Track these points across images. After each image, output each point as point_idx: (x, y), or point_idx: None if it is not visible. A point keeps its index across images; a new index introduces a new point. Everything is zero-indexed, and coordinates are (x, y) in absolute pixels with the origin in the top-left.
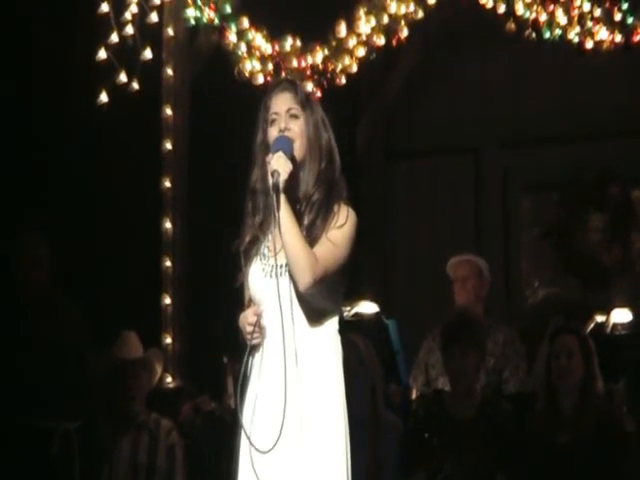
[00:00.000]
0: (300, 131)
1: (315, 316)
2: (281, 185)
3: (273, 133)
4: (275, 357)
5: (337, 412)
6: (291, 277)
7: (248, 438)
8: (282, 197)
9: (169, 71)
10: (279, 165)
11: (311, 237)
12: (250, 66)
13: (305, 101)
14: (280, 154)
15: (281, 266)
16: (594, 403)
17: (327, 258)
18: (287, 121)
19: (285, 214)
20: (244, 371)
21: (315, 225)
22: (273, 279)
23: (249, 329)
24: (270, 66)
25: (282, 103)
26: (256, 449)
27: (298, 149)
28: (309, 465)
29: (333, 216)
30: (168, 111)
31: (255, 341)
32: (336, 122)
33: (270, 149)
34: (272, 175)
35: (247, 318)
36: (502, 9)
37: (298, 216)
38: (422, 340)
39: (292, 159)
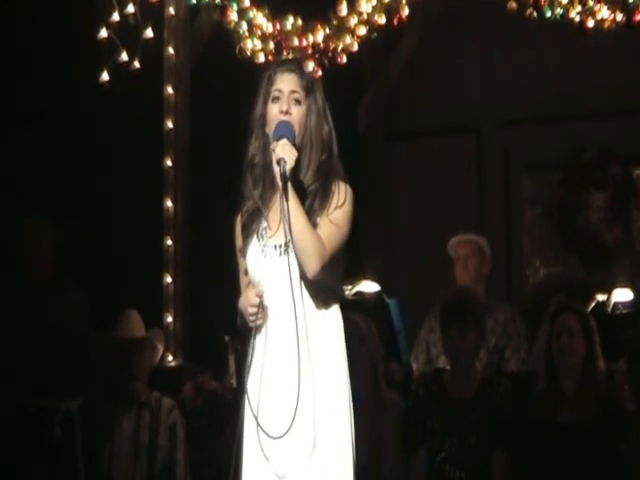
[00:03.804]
0: (300, 118)
1: (317, 295)
2: (288, 173)
3: (273, 111)
4: (282, 338)
5: (343, 390)
6: (296, 258)
7: (258, 424)
8: (289, 186)
9: (170, 50)
10: (285, 153)
11: (310, 221)
12: (251, 45)
13: (309, 87)
14: (285, 141)
15: (281, 246)
16: (595, 382)
17: (332, 241)
18: (289, 104)
19: (293, 203)
20: (251, 354)
21: (313, 209)
22: (273, 260)
23: (252, 310)
24: (271, 45)
25: (287, 82)
26: (268, 435)
27: (297, 136)
28: (315, 443)
29: (332, 196)
30: (169, 90)
31: (258, 322)
32: (337, 102)
33: (272, 134)
34: (278, 163)
35: (249, 300)
36: None
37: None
38: (423, 319)
39: (293, 144)
